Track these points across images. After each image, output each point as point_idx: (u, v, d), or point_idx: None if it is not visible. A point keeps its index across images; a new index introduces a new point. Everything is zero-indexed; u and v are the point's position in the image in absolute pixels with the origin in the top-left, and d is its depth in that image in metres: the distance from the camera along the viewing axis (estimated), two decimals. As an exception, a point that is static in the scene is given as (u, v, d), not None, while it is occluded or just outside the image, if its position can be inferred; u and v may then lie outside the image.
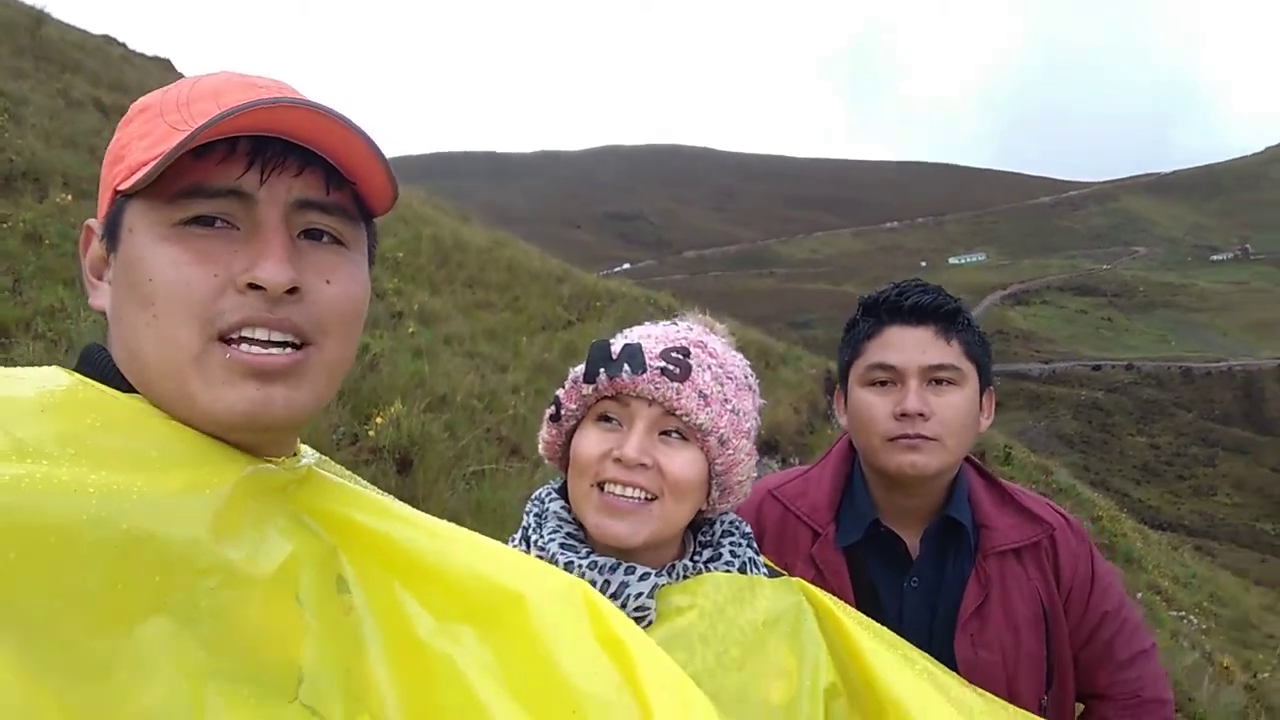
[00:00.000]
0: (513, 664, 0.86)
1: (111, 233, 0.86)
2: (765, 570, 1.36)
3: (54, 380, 0.80)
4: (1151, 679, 1.76)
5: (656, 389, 1.24)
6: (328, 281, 0.86)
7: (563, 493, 1.37)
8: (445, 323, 9.33)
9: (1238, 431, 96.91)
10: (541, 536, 1.29)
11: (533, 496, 1.40)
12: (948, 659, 1.65)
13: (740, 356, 1.39)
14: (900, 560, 1.77)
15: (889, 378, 1.69)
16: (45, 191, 7.66)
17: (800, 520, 1.81)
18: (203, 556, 0.73)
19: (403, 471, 4.70)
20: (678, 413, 1.26)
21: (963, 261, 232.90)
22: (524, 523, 1.35)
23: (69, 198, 7.57)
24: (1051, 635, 1.73)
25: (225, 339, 0.82)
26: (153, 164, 0.78)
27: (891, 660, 1.26)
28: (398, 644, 0.85)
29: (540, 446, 1.39)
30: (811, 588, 1.35)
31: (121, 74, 15.25)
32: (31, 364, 3.97)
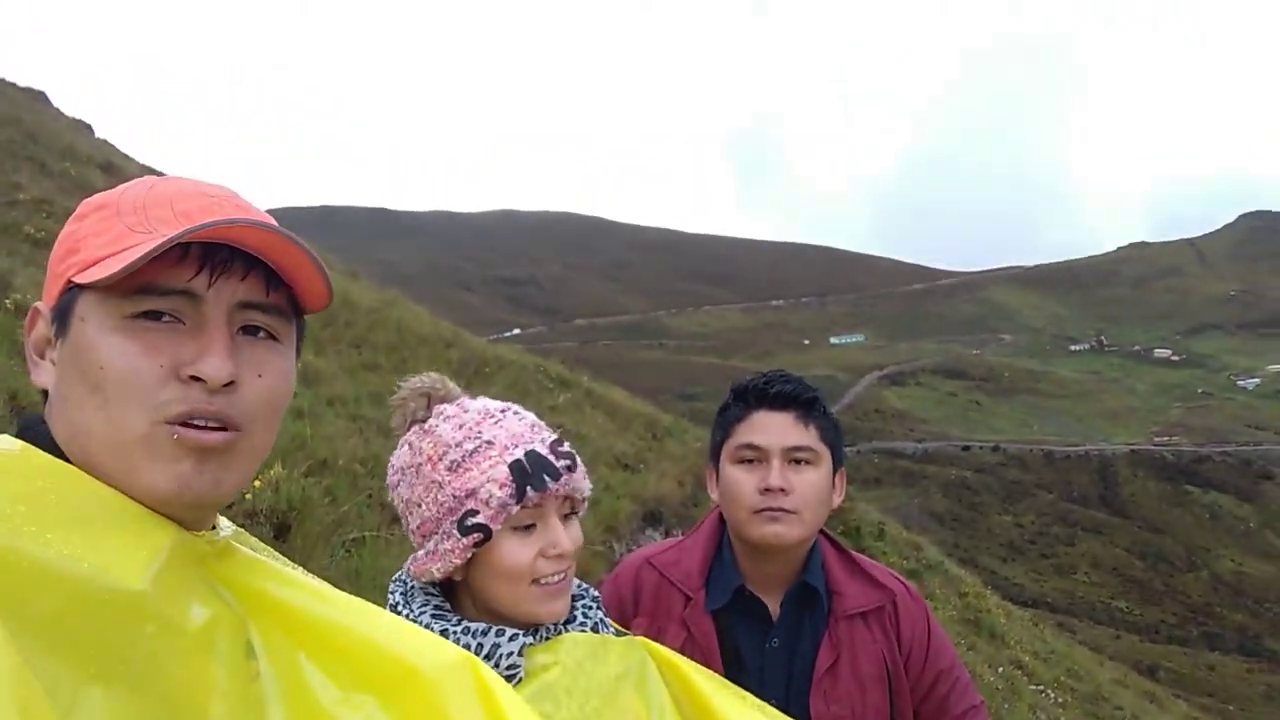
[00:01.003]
0: None
1: (62, 319, 0.92)
2: (613, 630, 1.51)
3: (6, 445, 0.86)
4: None
5: (568, 485, 1.39)
6: (260, 375, 0.94)
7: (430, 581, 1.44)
8: (329, 384, 9.14)
9: (1095, 513, 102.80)
10: (412, 611, 1.38)
11: (394, 579, 1.47)
12: (802, 713, 1.82)
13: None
14: (763, 623, 1.93)
15: (755, 456, 1.87)
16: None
17: (674, 586, 1.95)
18: (147, 605, 0.80)
19: (280, 536, 4.56)
20: (576, 496, 1.42)
21: (843, 341, 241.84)
22: (390, 600, 1.42)
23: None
24: (894, 691, 1.90)
25: (169, 423, 0.88)
26: (121, 265, 0.85)
27: (727, 697, 1.42)
28: (301, 711, 0.90)
29: (432, 568, 1.37)
30: (653, 643, 1.49)
31: (-6, 108, 14.57)
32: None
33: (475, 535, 1.34)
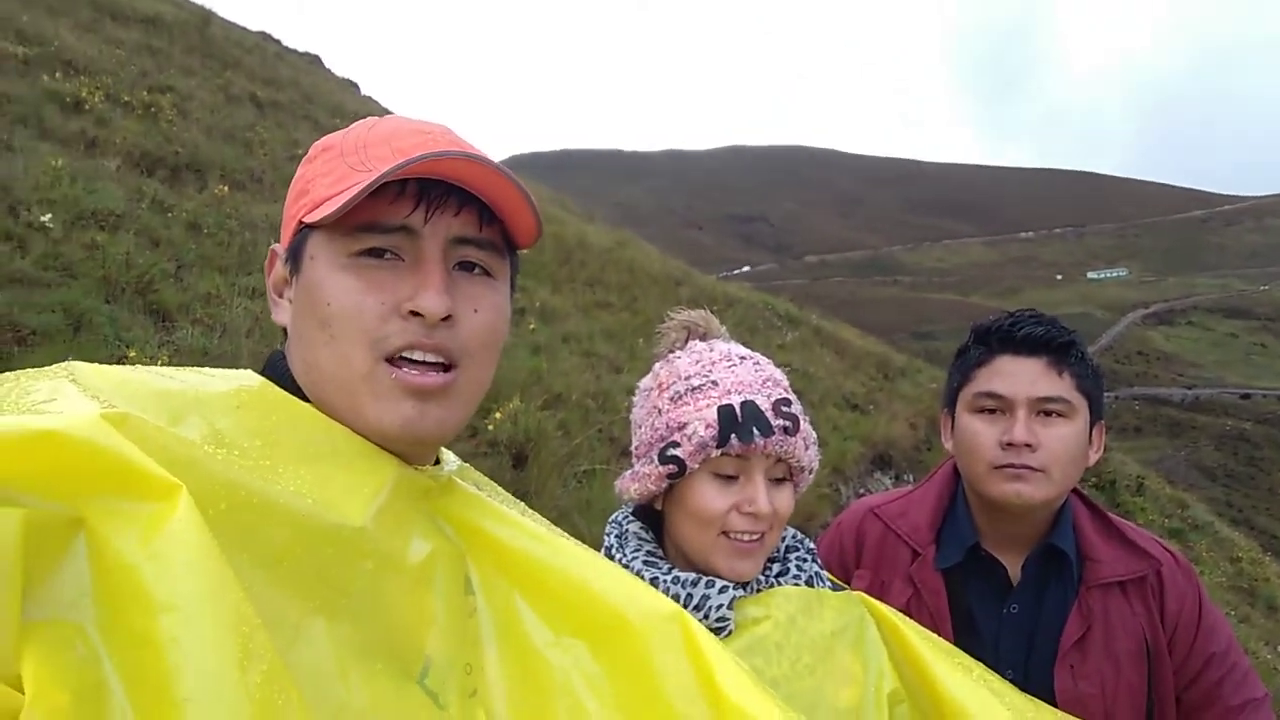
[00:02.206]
0: (620, 681, 0.94)
1: (295, 258, 0.98)
2: (829, 584, 1.46)
3: (248, 381, 0.92)
4: None
5: (780, 447, 1.34)
6: (475, 310, 0.97)
7: (639, 515, 1.48)
8: (564, 321, 9.54)
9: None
10: (625, 555, 1.41)
11: (610, 520, 1.51)
12: (1045, 689, 1.66)
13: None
14: (999, 586, 1.77)
15: (997, 406, 1.70)
16: (205, 182, 8.23)
17: (900, 539, 1.84)
18: (366, 542, 0.84)
19: (518, 466, 4.86)
20: (790, 461, 1.37)
21: (1102, 276, 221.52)
22: (606, 542, 1.46)
23: (225, 189, 8.11)
24: (1154, 673, 1.70)
25: (390, 359, 0.93)
26: (339, 204, 0.90)
27: (950, 667, 1.33)
28: (514, 650, 0.94)
29: (633, 492, 1.42)
30: (873, 600, 1.42)
31: (276, 70, 16.18)
32: (190, 344, 4.28)
33: (670, 467, 1.36)
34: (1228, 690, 1.70)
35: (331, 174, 0.96)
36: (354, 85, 27.28)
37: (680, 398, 1.39)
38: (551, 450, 5.17)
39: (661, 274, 15.07)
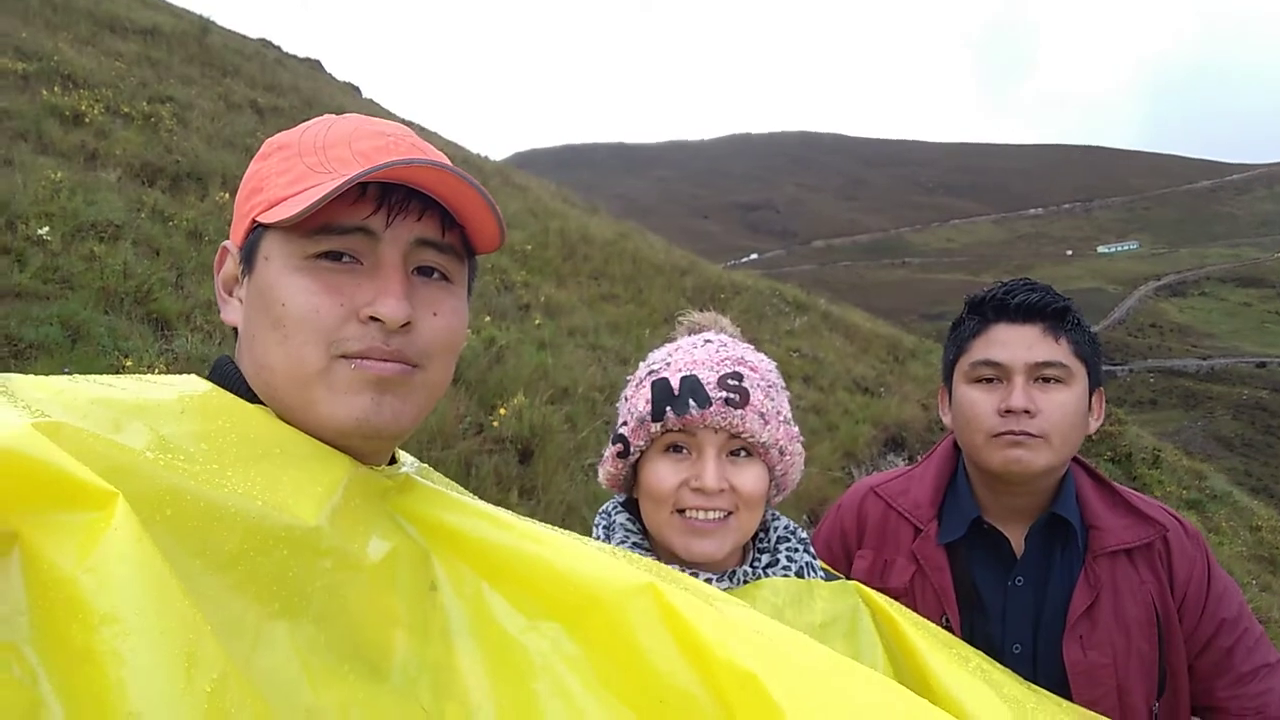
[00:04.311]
0: (600, 656, 0.92)
1: (248, 258, 0.96)
2: (822, 574, 1.44)
3: (192, 387, 0.90)
4: (1279, 696, 1.67)
5: (723, 419, 1.32)
6: (435, 314, 0.96)
7: (627, 506, 1.48)
8: (570, 315, 9.53)
9: None
10: (611, 545, 1.38)
11: (600, 510, 1.51)
12: (1055, 660, 1.65)
13: (766, 358, 1.47)
14: (1004, 559, 1.75)
15: (994, 374, 1.69)
16: (206, 190, 8.25)
17: (902, 517, 1.82)
18: (322, 542, 0.82)
19: (524, 461, 4.85)
20: (743, 435, 1.34)
21: (1113, 250, 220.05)
22: (594, 534, 1.46)
23: (226, 196, 8.12)
24: (1164, 640, 1.68)
25: (345, 357, 0.91)
26: (302, 205, 0.88)
27: (946, 659, 1.30)
28: (489, 640, 0.92)
29: (602, 477, 1.47)
30: (868, 590, 1.39)
31: (276, 77, 16.20)
32: (189, 352, 4.29)
33: (618, 446, 1.39)
34: (1239, 656, 1.68)
35: (288, 173, 0.94)
36: (356, 89, 27.30)
37: (641, 382, 1.41)
38: (558, 444, 5.16)
39: (667, 264, 15.03)
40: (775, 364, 1.47)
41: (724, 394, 1.33)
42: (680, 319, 1.55)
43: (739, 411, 1.33)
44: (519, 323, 8.40)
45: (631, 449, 1.38)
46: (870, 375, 12.55)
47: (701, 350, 1.40)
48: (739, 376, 1.35)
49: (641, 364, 1.47)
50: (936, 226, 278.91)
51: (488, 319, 7.83)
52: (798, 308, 15.97)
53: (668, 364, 1.39)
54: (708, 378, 1.34)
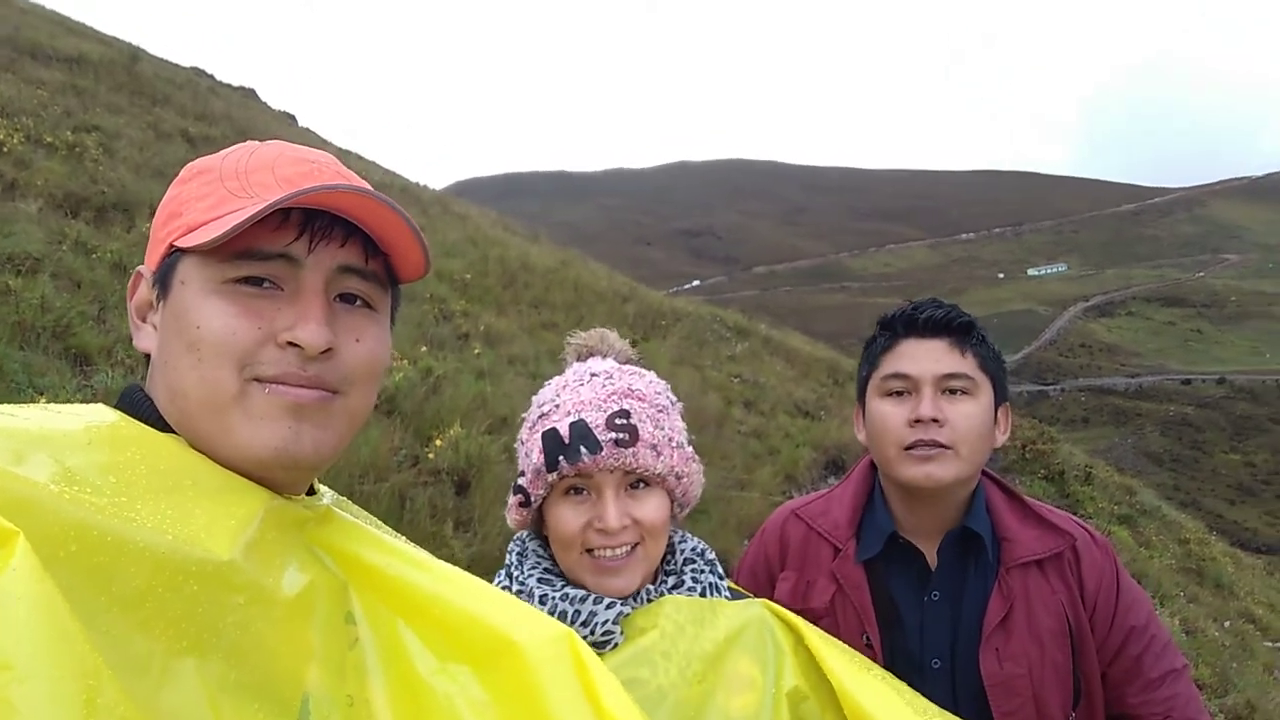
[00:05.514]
0: (507, 704, 0.90)
1: (164, 282, 0.93)
2: (729, 594, 1.45)
3: (100, 417, 0.86)
4: (1184, 700, 1.71)
5: (616, 460, 1.33)
6: (357, 340, 0.94)
7: (539, 532, 1.48)
8: (510, 343, 9.48)
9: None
10: (522, 572, 1.41)
11: (514, 537, 1.51)
12: (972, 673, 1.68)
13: (655, 379, 1.47)
14: (920, 573, 1.78)
15: (904, 387, 1.73)
16: (133, 221, 8.04)
17: (822, 537, 1.84)
18: (235, 576, 0.79)
19: (461, 493, 4.79)
20: (637, 471, 1.36)
21: (1043, 273, 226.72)
22: (507, 560, 1.46)
23: (154, 227, 7.92)
24: (1077, 649, 1.71)
25: (259, 380, 0.88)
26: (223, 229, 0.85)
27: (850, 666, 1.33)
28: (399, 678, 0.90)
29: (510, 523, 1.46)
30: (776, 606, 1.41)
31: (208, 105, 15.94)
32: (110, 387, 4.14)
33: (518, 496, 1.40)
34: (1148, 663, 1.72)
35: (208, 197, 0.92)
36: (291, 117, 26.99)
37: (533, 426, 1.41)
38: (496, 475, 5.10)
39: (609, 291, 15.07)
40: (665, 384, 1.47)
41: (613, 435, 1.33)
42: (569, 340, 1.54)
43: (630, 450, 1.33)
44: (458, 352, 8.32)
45: (532, 498, 1.39)
46: (811, 399, 12.70)
47: (587, 388, 1.40)
48: (626, 414, 1.36)
49: (533, 401, 1.46)
50: (874, 251, 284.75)
51: (424, 349, 7.74)
52: (739, 333, 16.12)
53: (556, 406, 1.39)
54: (595, 420, 1.34)
